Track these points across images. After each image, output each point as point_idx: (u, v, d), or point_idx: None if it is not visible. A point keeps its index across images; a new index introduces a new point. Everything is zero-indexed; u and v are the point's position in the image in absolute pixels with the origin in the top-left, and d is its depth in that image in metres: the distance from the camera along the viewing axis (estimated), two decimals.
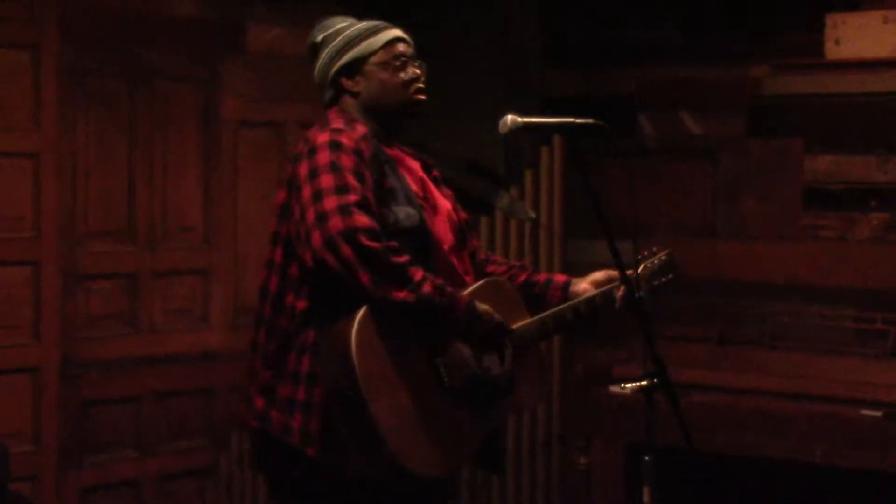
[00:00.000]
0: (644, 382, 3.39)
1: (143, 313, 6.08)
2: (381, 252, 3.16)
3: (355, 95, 3.52)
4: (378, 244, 3.16)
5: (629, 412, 5.54)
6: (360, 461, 3.24)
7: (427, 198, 3.51)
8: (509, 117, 3.42)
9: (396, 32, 3.57)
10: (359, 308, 3.20)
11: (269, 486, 3.54)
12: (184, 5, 6.17)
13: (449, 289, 3.27)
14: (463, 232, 3.62)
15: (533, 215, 6.03)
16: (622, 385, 3.46)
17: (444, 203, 3.58)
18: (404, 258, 3.21)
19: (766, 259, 6.15)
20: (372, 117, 3.50)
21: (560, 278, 3.79)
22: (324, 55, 3.54)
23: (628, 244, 3.74)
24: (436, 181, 3.65)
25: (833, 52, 6.00)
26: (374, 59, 3.51)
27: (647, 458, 3.40)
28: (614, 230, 3.39)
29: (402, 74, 3.52)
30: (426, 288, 3.20)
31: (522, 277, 3.76)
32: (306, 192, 3.23)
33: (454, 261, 3.52)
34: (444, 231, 3.51)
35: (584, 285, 3.73)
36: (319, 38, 3.57)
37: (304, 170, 3.27)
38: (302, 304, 3.32)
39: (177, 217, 6.18)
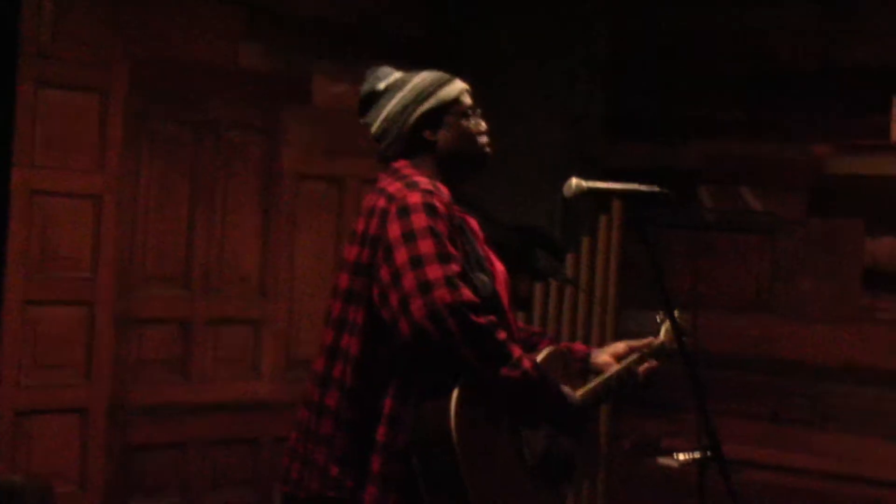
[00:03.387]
0: (697, 455, 3.35)
1: (194, 360, 6.09)
2: (488, 329, 3.07)
3: (432, 147, 3.40)
4: (485, 320, 3.07)
5: (677, 485, 5.49)
6: None
7: (489, 260, 3.41)
8: (574, 180, 3.39)
9: (464, 83, 3.48)
10: (445, 380, 3.10)
11: None
12: (250, 57, 6.21)
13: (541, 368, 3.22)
14: (513, 294, 3.55)
15: (570, 278, 6.00)
16: (675, 456, 3.41)
17: (500, 265, 3.46)
18: (504, 334, 3.13)
19: (821, 340, 6.09)
20: (445, 171, 3.38)
21: (580, 348, 3.72)
22: (393, 104, 3.41)
23: (685, 316, 3.71)
24: (486, 241, 3.53)
25: None
26: (452, 109, 3.41)
27: None
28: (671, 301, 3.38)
29: (476, 125, 3.44)
30: (526, 364, 3.14)
31: (543, 344, 3.60)
32: (401, 255, 3.10)
33: (512, 327, 3.45)
34: (504, 295, 3.40)
35: (604, 357, 3.64)
36: (381, 86, 3.44)
37: (396, 231, 3.13)
38: (384, 371, 3.19)
39: (233, 266, 6.19)
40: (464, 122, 3.42)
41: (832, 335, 6.06)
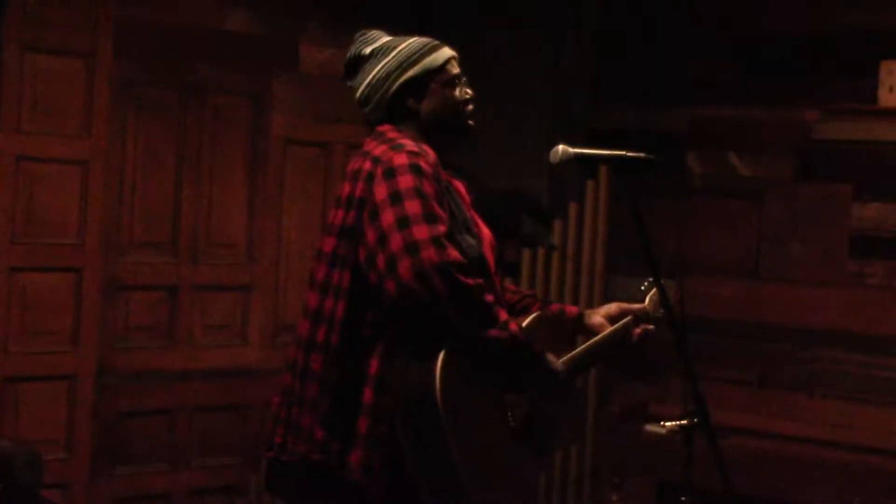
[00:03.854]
0: (684, 421, 3.35)
1: (181, 326, 6.08)
2: (475, 290, 3.07)
3: (415, 114, 3.37)
4: (473, 281, 3.07)
5: (663, 451, 5.49)
6: (430, 500, 3.13)
7: (476, 224, 3.41)
8: (561, 147, 3.39)
9: (452, 51, 3.45)
10: (431, 342, 3.10)
11: None
12: (238, 21, 6.19)
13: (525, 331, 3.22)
14: (499, 258, 3.53)
15: (555, 243, 5.99)
16: (661, 423, 3.41)
17: (486, 229, 3.46)
18: (492, 296, 3.13)
19: (809, 304, 6.09)
20: (428, 139, 3.34)
21: (572, 310, 3.69)
22: (377, 70, 3.38)
23: (671, 282, 3.69)
24: (472, 205, 3.52)
25: (886, 99, 5.94)
26: (437, 77, 3.38)
27: (683, 498, 3.36)
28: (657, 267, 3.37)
29: (461, 94, 3.41)
30: (513, 327, 3.14)
31: (535, 308, 3.60)
32: (388, 216, 3.08)
33: (499, 291, 3.44)
34: (490, 259, 3.39)
35: (597, 318, 3.60)
36: (367, 50, 3.41)
37: (382, 192, 3.12)
38: (370, 333, 3.18)
39: (221, 231, 6.18)
40: (448, 91, 3.39)
41: (819, 300, 6.06)
